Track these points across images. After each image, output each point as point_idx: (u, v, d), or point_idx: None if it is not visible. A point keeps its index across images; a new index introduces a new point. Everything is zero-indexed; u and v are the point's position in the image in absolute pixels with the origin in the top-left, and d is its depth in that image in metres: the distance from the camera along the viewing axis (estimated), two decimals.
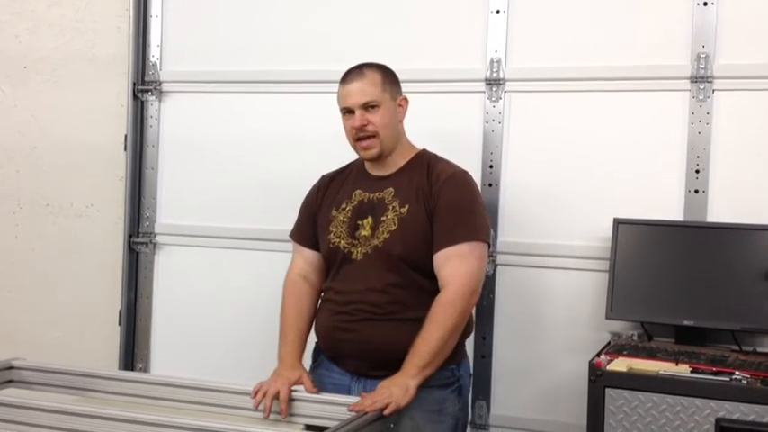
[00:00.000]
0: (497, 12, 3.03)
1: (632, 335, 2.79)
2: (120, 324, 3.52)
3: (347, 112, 2.45)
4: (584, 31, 2.96)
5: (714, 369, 2.36)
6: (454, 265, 2.33)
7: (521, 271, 3.02)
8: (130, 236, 3.50)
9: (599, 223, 2.88)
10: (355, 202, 2.49)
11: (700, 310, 2.67)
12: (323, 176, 2.64)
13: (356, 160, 2.58)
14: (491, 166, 3.03)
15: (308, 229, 2.59)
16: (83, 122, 3.60)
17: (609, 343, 2.73)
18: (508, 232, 3.02)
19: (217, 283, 3.40)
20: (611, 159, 2.92)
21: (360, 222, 2.45)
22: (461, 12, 3.09)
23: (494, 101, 3.04)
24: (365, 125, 2.42)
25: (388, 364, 2.27)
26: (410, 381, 2.21)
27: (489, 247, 2.47)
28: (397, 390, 2.17)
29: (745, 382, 2.27)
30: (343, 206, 2.50)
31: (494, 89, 3.04)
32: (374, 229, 2.42)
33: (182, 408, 2.32)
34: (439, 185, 2.41)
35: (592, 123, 2.95)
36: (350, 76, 2.46)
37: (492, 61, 3.04)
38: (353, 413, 2.09)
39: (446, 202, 2.39)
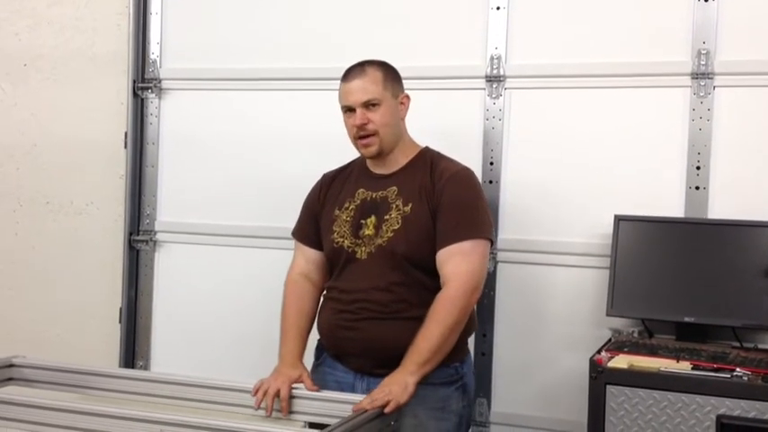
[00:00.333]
0: (497, 8, 3.03)
1: (633, 332, 2.79)
2: (120, 322, 3.52)
3: (348, 110, 2.44)
4: (584, 27, 2.96)
5: (715, 366, 2.36)
6: (456, 263, 2.32)
7: (521, 268, 3.02)
8: (131, 233, 3.50)
9: (600, 220, 2.88)
10: (358, 201, 2.48)
11: (700, 306, 2.67)
12: (324, 175, 2.63)
13: (358, 158, 2.57)
14: (491, 163, 3.03)
15: (310, 227, 2.58)
16: (83, 120, 3.60)
17: (610, 340, 2.73)
18: (508, 229, 3.02)
19: (217, 281, 3.40)
20: (612, 156, 2.92)
21: (363, 221, 2.44)
22: (462, 9, 3.09)
23: (494, 98, 3.04)
24: (366, 123, 2.40)
25: (392, 362, 2.26)
26: (409, 378, 2.20)
27: (492, 244, 2.46)
28: (396, 387, 2.16)
29: (746, 378, 2.28)
30: (346, 205, 2.49)
31: (494, 86, 3.03)
32: (378, 228, 2.41)
33: (182, 405, 2.31)
34: (442, 183, 2.40)
35: (592, 120, 2.95)
36: (351, 73, 2.44)
37: (492, 58, 3.04)
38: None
39: (449, 200, 2.38)
